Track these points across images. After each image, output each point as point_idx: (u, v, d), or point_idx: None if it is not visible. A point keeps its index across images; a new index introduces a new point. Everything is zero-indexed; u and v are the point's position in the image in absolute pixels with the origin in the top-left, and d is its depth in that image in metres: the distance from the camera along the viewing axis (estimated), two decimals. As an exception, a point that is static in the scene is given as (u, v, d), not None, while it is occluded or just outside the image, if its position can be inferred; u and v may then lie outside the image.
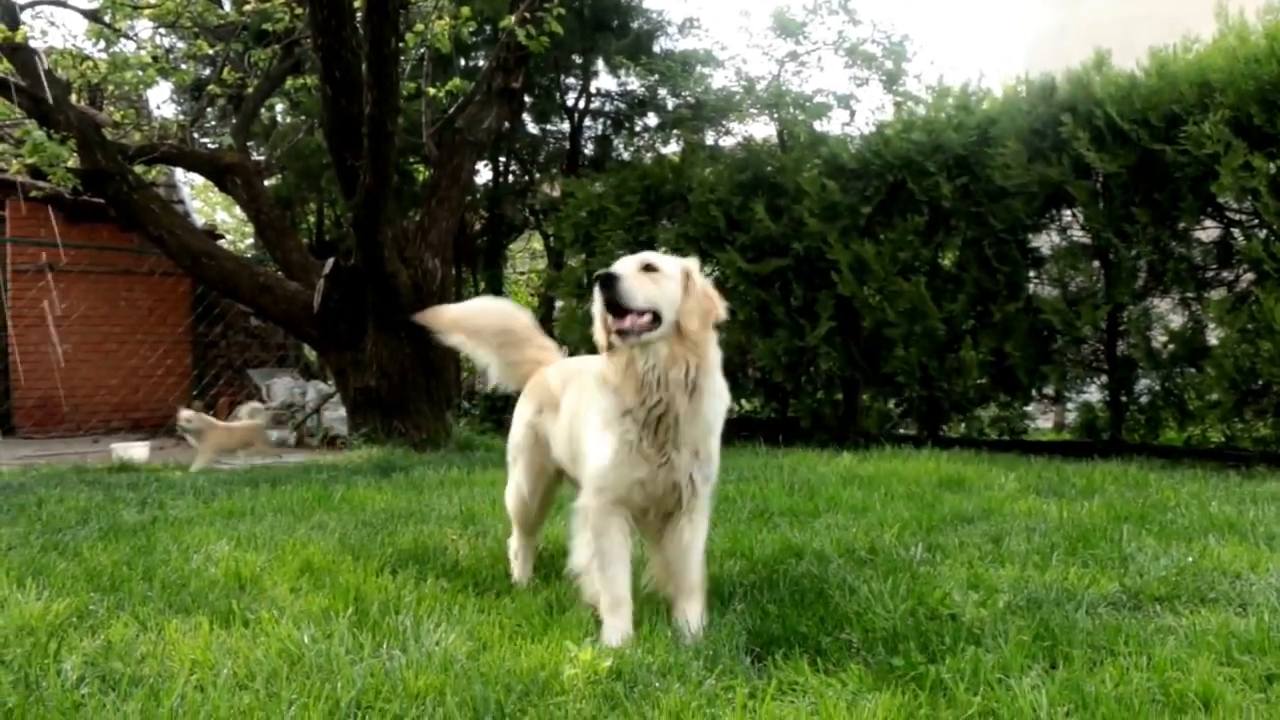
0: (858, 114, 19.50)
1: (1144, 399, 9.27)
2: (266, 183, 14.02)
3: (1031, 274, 9.88)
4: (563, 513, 4.45)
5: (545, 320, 15.93)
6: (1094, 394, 9.75)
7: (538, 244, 19.64)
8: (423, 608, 3.56)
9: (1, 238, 14.17)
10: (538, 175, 17.38)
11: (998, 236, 9.60)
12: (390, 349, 10.28)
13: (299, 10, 11.40)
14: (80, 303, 14.43)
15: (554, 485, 4.25)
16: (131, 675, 2.88)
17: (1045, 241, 9.87)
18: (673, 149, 16.42)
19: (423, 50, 12.11)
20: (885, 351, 10.27)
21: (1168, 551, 4.34)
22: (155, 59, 12.14)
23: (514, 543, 4.30)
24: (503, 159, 16.85)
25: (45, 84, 10.18)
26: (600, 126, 17.12)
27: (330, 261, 10.75)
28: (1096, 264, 9.37)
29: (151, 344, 14.89)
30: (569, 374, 3.98)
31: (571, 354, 4.41)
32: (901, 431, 10.92)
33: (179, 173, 17.01)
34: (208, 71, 14.19)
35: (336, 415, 12.76)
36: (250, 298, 11.41)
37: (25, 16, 11.00)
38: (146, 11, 11.82)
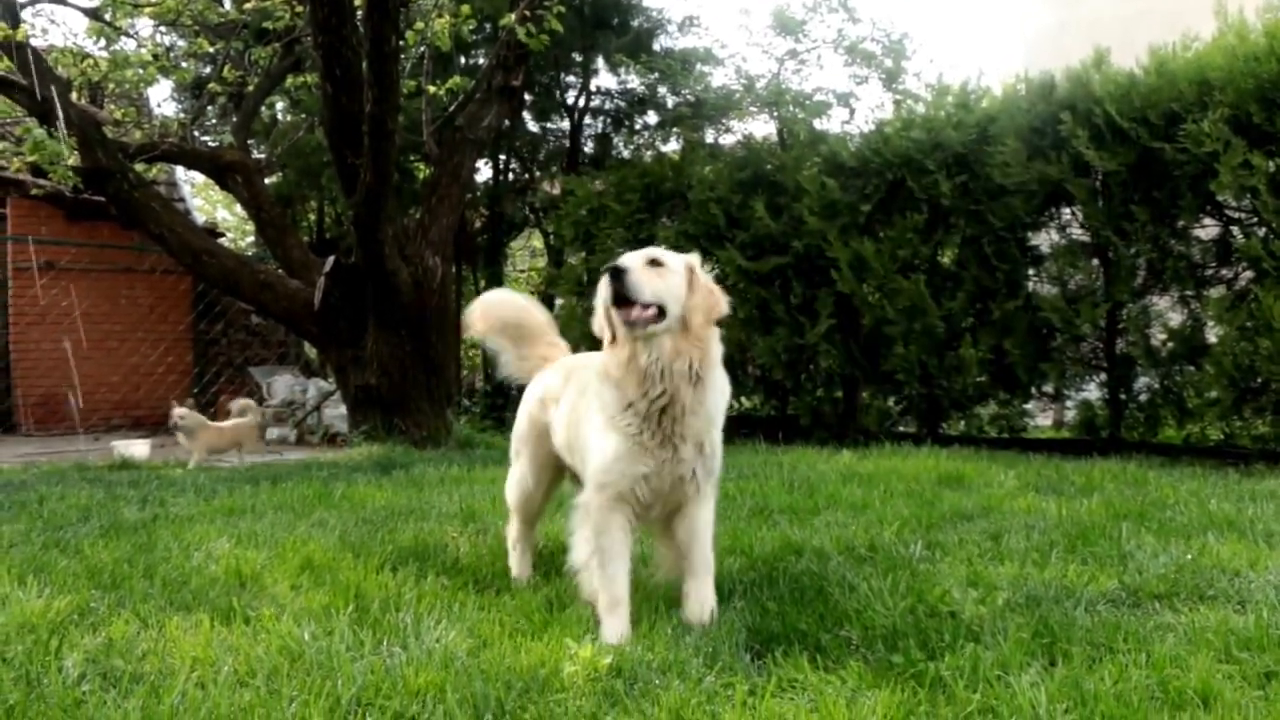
0: (857, 112, 19.61)
1: (1143, 397, 9.27)
2: (267, 181, 14.02)
3: (1031, 272, 9.89)
4: (562, 510, 4.45)
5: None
6: (1093, 392, 9.75)
7: (538, 242, 19.64)
8: (423, 605, 3.57)
9: (2, 235, 14.16)
10: (538, 173, 17.39)
11: (997, 234, 9.61)
12: (391, 346, 10.29)
13: (299, 8, 11.41)
14: (81, 300, 14.42)
15: (557, 477, 4.26)
16: (132, 672, 2.89)
17: (1044, 239, 9.87)
18: (673, 147, 16.45)
19: (423, 48, 12.11)
20: (885, 349, 10.27)
21: (1167, 549, 4.34)
22: (156, 57, 12.16)
23: (512, 532, 4.28)
24: (503, 157, 16.85)
25: (42, 81, 10.19)
26: (600, 124, 17.14)
27: (331, 259, 10.76)
28: (1096, 262, 9.37)
29: (152, 342, 14.89)
30: (571, 369, 4.00)
31: (573, 350, 4.41)
32: (901, 429, 10.94)
33: (179, 171, 17.03)
34: (208, 69, 14.19)
35: (337, 413, 12.76)
36: (251, 295, 11.42)
37: (26, 14, 11.00)
38: (147, 9, 11.82)
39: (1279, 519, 5.08)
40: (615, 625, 3.30)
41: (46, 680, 2.80)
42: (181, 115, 14.28)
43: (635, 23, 15.85)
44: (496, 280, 17.07)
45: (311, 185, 17.06)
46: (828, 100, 14.77)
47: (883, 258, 10.10)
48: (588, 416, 3.60)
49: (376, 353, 10.33)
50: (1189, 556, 4.17)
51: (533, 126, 17.12)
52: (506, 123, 13.75)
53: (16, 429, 14.21)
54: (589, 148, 16.85)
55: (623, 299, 3.25)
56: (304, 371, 16.25)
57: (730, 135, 15.97)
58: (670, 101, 16.43)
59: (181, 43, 13.74)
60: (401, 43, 10.90)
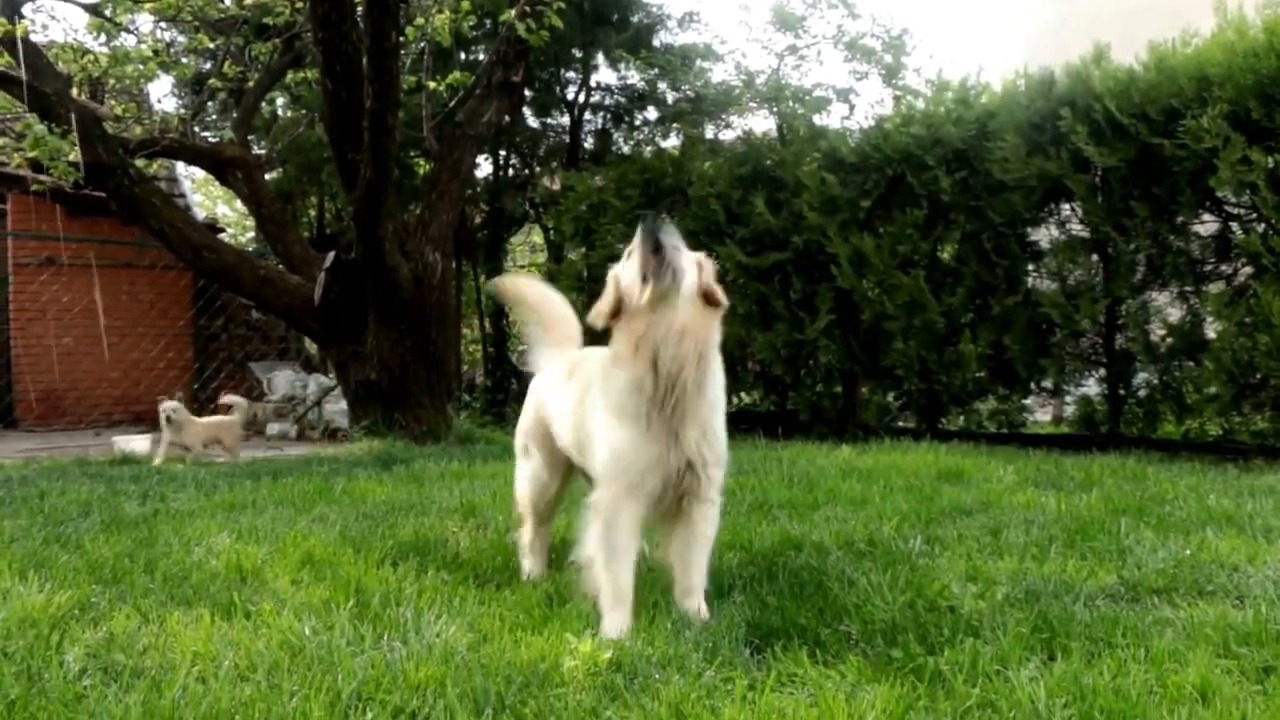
0: (857, 108, 19.52)
1: (1142, 392, 9.28)
2: (267, 176, 14.03)
3: (1030, 268, 9.90)
4: (563, 508, 4.46)
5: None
6: (1092, 387, 9.76)
7: (538, 237, 19.62)
8: (423, 600, 3.57)
9: (3, 231, 14.16)
10: (538, 169, 17.37)
11: (997, 230, 9.61)
12: (391, 342, 10.30)
13: (300, 4, 11.41)
14: (82, 296, 14.43)
15: (569, 473, 4.21)
16: (133, 667, 2.89)
17: (1044, 235, 9.88)
18: (672, 143, 16.44)
19: (423, 44, 12.11)
20: (884, 345, 10.28)
21: (1165, 544, 4.35)
22: (156, 53, 12.15)
23: (525, 536, 4.22)
24: (503, 153, 16.85)
25: (43, 77, 10.19)
26: (600, 120, 17.12)
27: (331, 255, 10.76)
28: (1095, 258, 9.37)
29: (153, 337, 14.91)
30: (576, 363, 4.00)
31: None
32: (900, 424, 10.94)
33: (180, 166, 17.03)
34: (208, 65, 14.17)
35: (337, 408, 12.78)
36: (251, 291, 11.42)
37: (26, 10, 10.99)
38: (147, 5, 11.80)
39: (1277, 514, 5.09)
40: (616, 620, 3.30)
41: (47, 675, 2.81)
42: (182, 111, 14.28)
43: (635, 19, 15.83)
44: (496, 275, 17.04)
45: (312, 181, 17.08)
46: (827, 96, 14.75)
47: (882, 253, 10.11)
48: (594, 413, 3.60)
49: (377, 348, 10.34)
50: (1188, 552, 4.18)
51: (533, 122, 17.12)
52: (506, 118, 13.74)
53: (17, 424, 14.21)
54: (589, 143, 16.85)
55: (659, 247, 3.33)
56: (304, 367, 16.26)
57: (730, 131, 15.97)
58: (670, 97, 16.42)
59: (182, 38, 13.73)
60: (402, 38, 10.90)
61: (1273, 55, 7.79)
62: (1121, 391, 9.37)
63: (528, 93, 15.54)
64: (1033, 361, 9.50)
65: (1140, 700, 2.61)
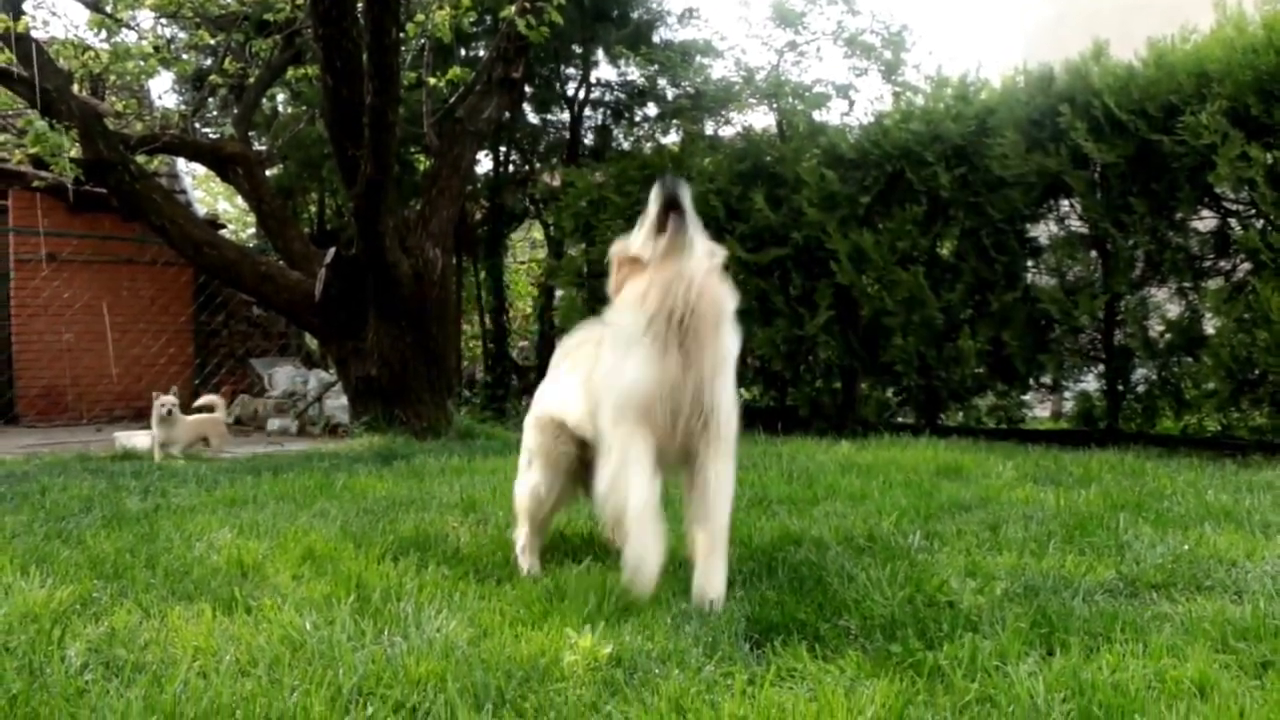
0: (856, 104, 19.55)
1: (1141, 388, 9.28)
2: (268, 172, 14.03)
3: (1029, 264, 9.89)
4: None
5: (545, 309, 15.97)
6: (1091, 383, 9.76)
7: (538, 233, 19.62)
8: (424, 595, 3.58)
9: (4, 228, 14.17)
10: (538, 165, 17.36)
11: (996, 226, 9.61)
12: (391, 338, 10.30)
13: (300, 0, 11.40)
14: (83, 292, 14.45)
15: (567, 488, 4.21)
16: (135, 662, 2.91)
17: (1043, 231, 9.86)
18: (672, 139, 16.41)
19: (423, 40, 12.11)
20: (884, 340, 10.28)
21: (1164, 539, 4.36)
22: (157, 49, 12.15)
23: (520, 539, 4.22)
24: (503, 148, 16.84)
25: (44, 73, 10.19)
26: (600, 116, 17.10)
27: (331, 251, 10.77)
28: (1094, 254, 9.37)
29: (154, 333, 14.90)
30: (567, 349, 4.08)
31: None
32: (899, 420, 10.94)
33: (181, 163, 17.01)
34: (209, 62, 14.17)
35: (338, 404, 12.79)
36: (252, 287, 11.44)
37: (27, 6, 10.99)
38: (148, 2, 11.80)
39: (1276, 510, 5.10)
40: (635, 545, 3.39)
41: (49, 670, 2.82)
42: (182, 107, 14.29)
43: (635, 15, 15.81)
44: (497, 271, 17.09)
45: (312, 177, 17.07)
46: (827, 92, 14.75)
47: (882, 249, 10.11)
48: (604, 360, 3.67)
49: (377, 344, 10.34)
50: (1186, 547, 4.19)
51: (533, 118, 17.10)
52: (507, 115, 13.73)
53: (18, 420, 14.22)
54: (589, 139, 16.84)
55: (675, 202, 3.48)
56: (305, 363, 16.26)
57: (730, 127, 15.95)
58: (670, 93, 16.40)
59: (182, 35, 13.71)
60: (402, 35, 10.90)
61: (1271, 51, 7.78)
62: (1120, 387, 9.37)
63: (528, 89, 15.53)
64: (1032, 357, 9.50)
65: (1139, 695, 2.61)
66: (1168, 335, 8.83)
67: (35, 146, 9.93)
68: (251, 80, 12.81)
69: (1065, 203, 9.60)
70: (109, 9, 11.56)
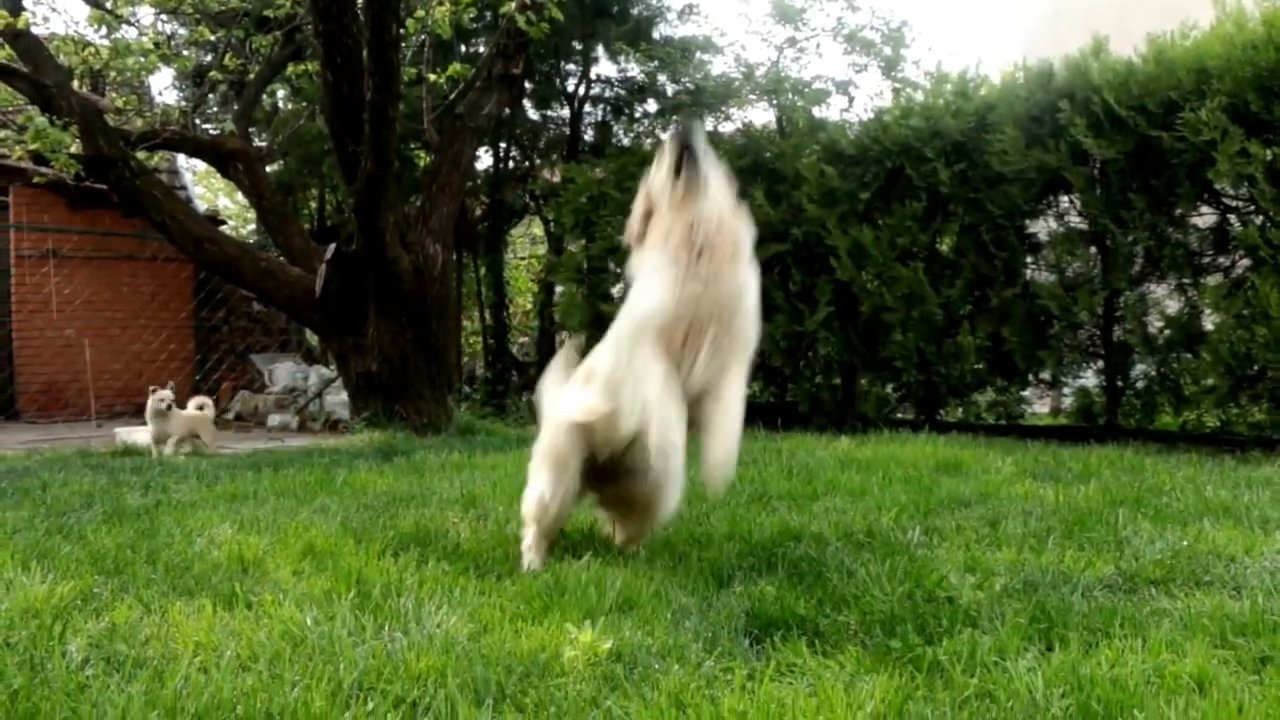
0: (856, 100, 19.47)
1: (1140, 384, 9.29)
2: (268, 168, 14.02)
3: (1029, 260, 9.90)
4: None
5: (545, 305, 15.98)
6: (1090, 379, 9.77)
7: (538, 229, 19.62)
8: (424, 590, 3.58)
9: (5, 224, 14.17)
10: (538, 161, 17.37)
11: (995, 222, 9.62)
12: (391, 334, 10.31)
13: (300, -4, 11.40)
14: (84, 288, 14.46)
15: (574, 495, 4.17)
16: (136, 657, 2.91)
17: (1042, 227, 9.88)
18: (672, 135, 16.38)
19: (423, 36, 12.11)
20: (883, 336, 10.30)
21: (1163, 535, 4.36)
22: (157, 45, 12.12)
23: (527, 539, 4.17)
24: (503, 145, 16.85)
25: (44, 69, 10.19)
26: (600, 112, 17.11)
27: (332, 247, 10.77)
28: (1093, 250, 9.38)
29: (154, 329, 14.91)
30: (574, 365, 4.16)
31: (583, 342, 4.42)
32: (899, 416, 10.95)
33: (181, 159, 17.01)
34: (209, 58, 14.16)
35: (338, 399, 12.79)
36: (252, 283, 11.44)
37: (27, 2, 10.99)
38: (148, -2, 11.81)
39: (1274, 505, 5.10)
40: (659, 420, 3.52)
41: (50, 665, 2.82)
42: (183, 103, 14.26)
43: (635, 11, 15.81)
44: (497, 267, 17.09)
45: (312, 173, 17.07)
46: (827, 88, 14.78)
47: (881, 245, 10.12)
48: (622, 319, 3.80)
49: (378, 340, 10.35)
50: (1185, 542, 4.19)
51: (533, 114, 17.11)
52: (507, 110, 13.73)
53: (19, 416, 14.23)
54: (589, 135, 16.84)
55: (690, 146, 3.68)
56: (305, 359, 16.27)
57: (730, 123, 15.97)
58: (670, 89, 16.40)
59: (183, 31, 13.70)
60: (402, 30, 10.90)
61: (1271, 48, 7.78)
62: (1119, 383, 9.38)
63: (528, 85, 15.54)
64: (1031, 353, 9.51)
65: (1137, 690, 2.62)
66: (1167, 331, 8.84)
67: (36, 143, 9.93)
68: (252, 76, 12.79)
69: (1065, 199, 9.61)
70: (109, 5, 11.54)
